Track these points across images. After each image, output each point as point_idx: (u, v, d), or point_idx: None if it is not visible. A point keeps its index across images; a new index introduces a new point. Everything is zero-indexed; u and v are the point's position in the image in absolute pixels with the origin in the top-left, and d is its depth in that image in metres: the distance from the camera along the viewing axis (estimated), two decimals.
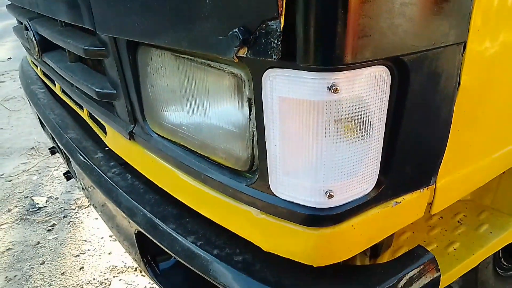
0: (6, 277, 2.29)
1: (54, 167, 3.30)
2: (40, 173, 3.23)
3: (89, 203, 2.85)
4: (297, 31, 0.57)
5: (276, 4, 0.56)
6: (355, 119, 0.65)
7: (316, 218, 0.72)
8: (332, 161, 0.66)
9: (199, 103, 0.82)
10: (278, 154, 0.69)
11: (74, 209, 2.83)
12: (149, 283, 2.26)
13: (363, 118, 0.66)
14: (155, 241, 0.98)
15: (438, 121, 0.76)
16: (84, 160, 1.30)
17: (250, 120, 0.74)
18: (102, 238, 2.58)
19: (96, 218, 2.75)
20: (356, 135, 0.67)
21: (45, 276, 2.30)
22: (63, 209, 2.83)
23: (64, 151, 1.43)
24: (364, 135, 0.67)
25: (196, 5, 0.68)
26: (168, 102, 0.90)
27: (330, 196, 0.69)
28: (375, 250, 0.97)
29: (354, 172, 0.69)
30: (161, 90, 0.91)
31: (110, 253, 2.46)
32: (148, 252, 1.12)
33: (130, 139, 1.07)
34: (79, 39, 1.11)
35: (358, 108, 0.64)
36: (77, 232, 2.64)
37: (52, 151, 1.84)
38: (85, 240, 2.57)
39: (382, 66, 0.64)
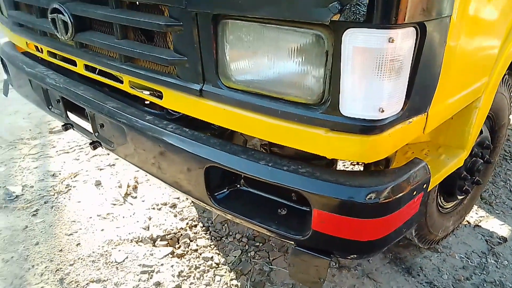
0: (3, 258, 2.34)
1: (20, 158, 3.30)
2: (6, 164, 3.21)
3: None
4: (376, 3, 0.96)
5: None
6: (399, 61, 1.06)
7: (371, 128, 1.12)
8: (386, 87, 1.07)
9: (280, 59, 1.18)
10: (350, 86, 1.08)
11: (54, 195, 2.90)
12: (148, 250, 2.47)
13: (402, 60, 1.07)
14: (234, 170, 1.30)
15: (435, 67, 1.21)
16: (139, 123, 1.55)
17: (325, 66, 1.11)
18: (91, 218, 2.71)
19: (79, 201, 2.87)
20: (397, 72, 1.07)
21: (43, 255, 2.39)
22: (42, 195, 2.89)
23: (109, 119, 1.66)
24: (401, 72, 1.09)
25: None
26: (249, 61, 1.24)
27: (382, 111, 1.09)
28: (388, 163, 1.40)
29: (394, 96, 1.11)
30: (242, 52, 1.24)
31: (102, 230, 2.61)
32: (211, 186, 1.43)
33: (199, 96, 1.37)
34: (150, 18, 1.38)
35: (401, 54, 1.06)
36: (64, 214, 2.73)
37: (66, 127, 2.01)
38: (74, 221, 2.68)
39: (413, 27, 1.06)
